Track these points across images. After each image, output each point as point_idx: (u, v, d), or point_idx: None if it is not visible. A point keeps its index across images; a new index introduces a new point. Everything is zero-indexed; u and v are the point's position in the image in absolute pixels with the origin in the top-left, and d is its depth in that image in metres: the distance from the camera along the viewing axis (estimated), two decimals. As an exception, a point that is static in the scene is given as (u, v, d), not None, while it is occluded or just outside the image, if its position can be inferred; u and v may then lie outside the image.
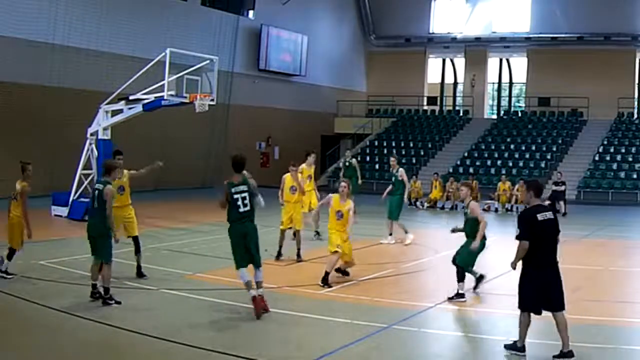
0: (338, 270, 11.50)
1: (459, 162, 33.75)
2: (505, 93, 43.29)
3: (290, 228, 13.54)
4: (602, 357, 7.71)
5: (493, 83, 42.77)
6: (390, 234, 15.97)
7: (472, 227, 10.53)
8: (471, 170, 31.76)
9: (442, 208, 25.47)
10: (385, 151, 36.32)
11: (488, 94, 42.17)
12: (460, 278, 10.25)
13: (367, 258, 12.20)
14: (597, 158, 32.25)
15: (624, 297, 10.93)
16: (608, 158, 32.19)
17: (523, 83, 41.33)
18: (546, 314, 7.57)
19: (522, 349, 7.52)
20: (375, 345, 8.06)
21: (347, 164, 20.89)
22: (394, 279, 12.07)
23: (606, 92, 35.41)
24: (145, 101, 18.78)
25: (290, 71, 36.42)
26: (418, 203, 25.87)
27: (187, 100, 18.66)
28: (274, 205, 13.30)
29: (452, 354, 8.11)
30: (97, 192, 9.58)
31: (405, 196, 16.07)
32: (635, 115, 36.36)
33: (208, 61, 19.67)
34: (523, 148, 34.15)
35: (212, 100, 19.27)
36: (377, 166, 34.74)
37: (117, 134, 19.90)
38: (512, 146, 34.55)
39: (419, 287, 12.09)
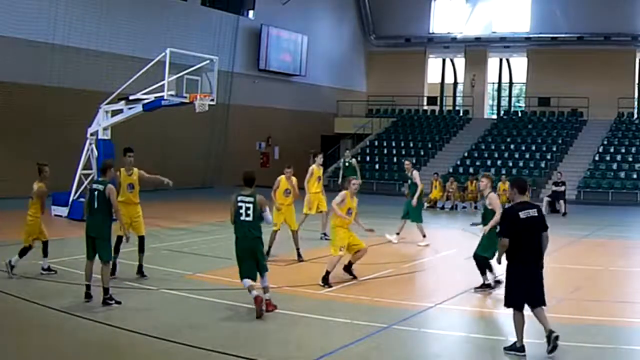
0: (348, 269, 11.51)
1: (459, 162, 33.75)
2: (505, 93, 43.30)
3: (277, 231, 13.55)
4: (602, 357, 7.71)
5: (493, 83, 42.78)
6: (397, 234, 15.96)
7: (491, 219, 10.48)
8: (471, 170, 31.74)
9: (442, 208, 25.48)
10: (385, 151, 36.36)
11: (488, 94, 42.18)
12: (483, 270, 10.31)
13: (367, 258, 12.18)
14: (597, 158, 32.24)
15: (624, 297, 10.93)
16: (608, 158, 32.19)
17: (523, 83, 41.33)
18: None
19: (522, 349, 7.52)
20: (375, 345, 8.06)
21: (346, 164, 20.90)
22: (394, 279, 12.07)
23: (606, 92, 35.41)
24: (145, 101, 18.79)
25: (290, 71, 36.42)
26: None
27: (187, 100, 18.67)
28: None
29: (452, 354, 8.11)
30: (97, 192, 9.59)
31: (415, 198, 16.14)
32: (635, 115, 36.36)
33: (208, 61, 19.67)
34: (523, 148, 34.14)
35: (212, 100, 19.28)
36: (377, 166, 34.75)
37: (117, 134, 19.90)
38: (512, 146, 34.55)
39: (419, 287, 12.09)
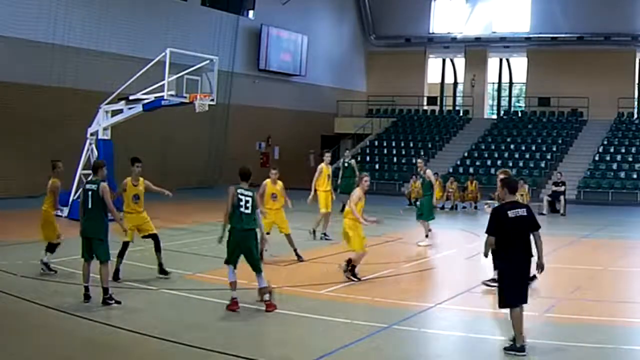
0: (351, 271, 11.53)
1: (459, 162, 33.74)
2: (505, 93, 43.29)
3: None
4: (602, 357, 7.70)
5: (493, 83, 42.77)
6: (427, 235, 15.94)
7: None
8: (471, 170, 31.74)
9: (442, 208, 25.45)
10: (385, 151, 36.35)
11: (488, 94, 42.17)
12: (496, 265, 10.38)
13: (367, 258, 12.19)
14: (597, 158, 32.23)
15: (624, 297, 10.93)
16: (608, 158, 32.18)
17: (523, 83, 41.31)
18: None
19: (522, 349, 7.52)
20: (375, 345, 8.06)
21: (345, 164, 20.91)
22: (394, 279, 12.07)
23: (606, 92, 35.40)
24: (145, 101, 18.78)
25: (290, 71, 36.41)
26: (418, 203, 25.81)
27: (187, 100, 18.66)
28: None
29: (452, 354, 8.11)
30: (90, 192, 9.60)
31: (434, 197, 16.15)
32: (635, 115, 36.35)
33: (208, 61, 19.66)
34: (523, 148, 34.14)
35: (212, 100, 19.27)
36: (377, 166, 34.74)
37: (117, 134, 19.91)
38: (512, 146, 34.54)
39: (419, 287, 12.08)
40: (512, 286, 7.60)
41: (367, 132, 38.64)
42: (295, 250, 13.38)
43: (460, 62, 42.47)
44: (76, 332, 8.31)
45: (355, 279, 11.26)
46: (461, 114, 39.99)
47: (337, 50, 39.97)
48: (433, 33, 40.76)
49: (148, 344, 7.85)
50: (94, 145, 19.38)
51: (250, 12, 34.28)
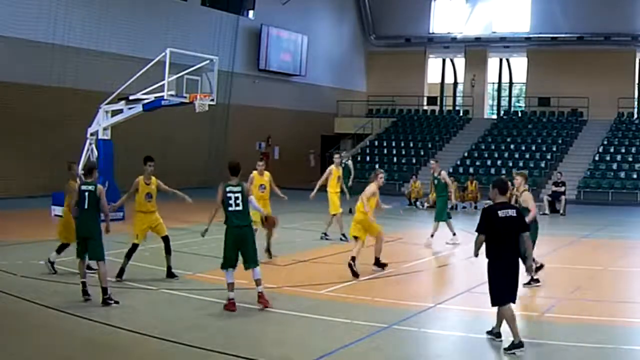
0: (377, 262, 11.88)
1: (459, 162, 33.73)
2: (505, 93, 43.28)
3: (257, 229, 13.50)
4: (602, 357, 7.71)
5: (493, 83, 42.77)
6: (454, 234, 15.93)
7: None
8: (471, 170, 31.73)
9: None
10: (385, 151, 36.35)
11: (488, 94, 42.16)
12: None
13: (367, 258, 12.19)
14: (597, 158, 32.23)
15: (624, 297, 10.93)
16: (608, 158, 32.17)
17: (523, 83, 41.31)
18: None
19: (521, 344, 7.56)
20: (375, 345, 8.06)
21: (342, 165, 20.91)
22: (394, 279, 12.06)
23: (606, 92, 35.40)
24: (145, 101, 18.78)
25: (290, 71, 36.41)
26: (418, 203, 25.89)
27: (187, 100, 18.66)
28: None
29: (452, 354, 8.11)
30: (87, 193, 9.68)
31: (453, 197, 16.19)
32: (635, 115, 36.34)
33: (208, 61, 19.66)
34: (523, 148, 34.13)
35: (212, 100, 19.27)
36: (377, 166, 34.62)
37: (117, 134, 19.90)
38: (512, 146, 34.53)
39: (419, 287, 12.08)
40: (501, 284, 7.73)
41: (367, 132, 38.63)
42: (268, 244, 13.11)
43: (460, 62, 42.46)
44: (76, 332, 8.31)
45: (382, 268, 11.87)
46: (461, 114, 39.98)
47: (337, 50, 39.97)
48: (433, 33, 40.76)
49: (148, 344, 7.85)
50: (94, 145, 19.37)
51: (250, 12, 34.28)
